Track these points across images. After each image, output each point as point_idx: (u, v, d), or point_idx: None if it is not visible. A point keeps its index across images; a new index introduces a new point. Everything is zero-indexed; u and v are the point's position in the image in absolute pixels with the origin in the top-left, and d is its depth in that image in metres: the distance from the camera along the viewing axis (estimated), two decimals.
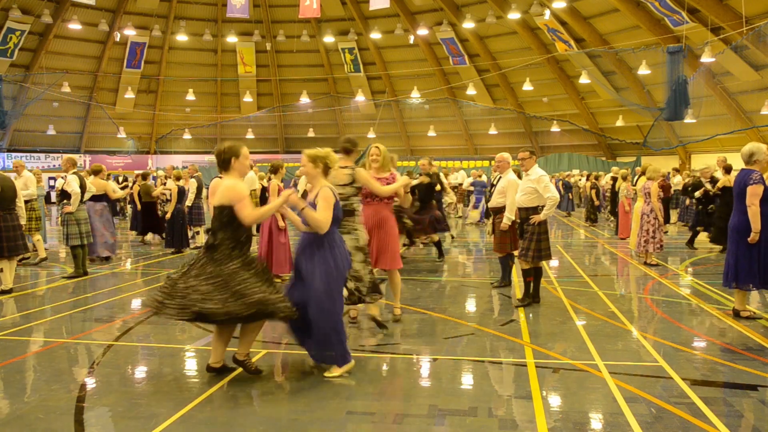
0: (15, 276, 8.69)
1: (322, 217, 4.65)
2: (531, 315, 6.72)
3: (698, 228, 12.44)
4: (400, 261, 6.45)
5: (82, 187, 9.46)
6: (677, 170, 19.88)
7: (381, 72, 35.69)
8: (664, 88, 24.98)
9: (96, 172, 11.24)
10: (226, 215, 4.55)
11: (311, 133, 38.43)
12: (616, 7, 25.43)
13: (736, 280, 6.32)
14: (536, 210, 7.10)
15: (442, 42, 32.63)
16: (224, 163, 4.67)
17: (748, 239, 6.17)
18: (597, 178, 20.76)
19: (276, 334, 6.16)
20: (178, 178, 12.68)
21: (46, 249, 11.33)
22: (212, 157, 36.07)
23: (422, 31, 31.75)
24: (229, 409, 4.16)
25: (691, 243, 12.35)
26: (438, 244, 11.13)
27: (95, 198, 10.84)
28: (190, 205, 12.28)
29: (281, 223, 8.53)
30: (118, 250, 12.26)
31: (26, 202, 10.31)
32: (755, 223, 6.11)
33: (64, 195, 9.55)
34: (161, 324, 6.30)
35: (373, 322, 6.17)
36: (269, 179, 9.47)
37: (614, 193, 16.97)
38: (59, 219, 9.72)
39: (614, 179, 16.06)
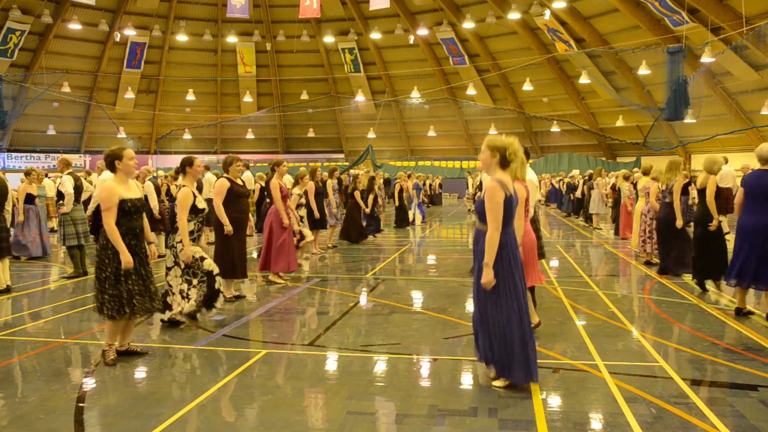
0: (14, 276, 8.68)
1: (490, 226, 4.22)
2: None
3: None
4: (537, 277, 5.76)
5: (78, 188, 9.46)
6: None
7: (381, 72, 35.70)
8: (664, 88, 25.01)
9: (27, 174, 11.51)
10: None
11: (311, 133, 38.45)
12: (616, 7, 25.45)
13: (738, 277, 6.33)
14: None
15: (442, 42, 32.64)
16: (110, 166, 5.00)
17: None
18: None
19: (276, 335, 6.16)
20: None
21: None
22: (212, 158, 36.32)
23: (422, 31, 31.77)
24: (229, 409, 4.16)
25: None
26: None
27: (29, 200, 11.22)
28: None
29: (285, 222, 8.41)
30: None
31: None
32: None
33: (60, 196, 9.58)
34: (161, 324, 6.29)
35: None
36: (269, 178, 9.42)
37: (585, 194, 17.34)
38: (56, 219, 9.75)
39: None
